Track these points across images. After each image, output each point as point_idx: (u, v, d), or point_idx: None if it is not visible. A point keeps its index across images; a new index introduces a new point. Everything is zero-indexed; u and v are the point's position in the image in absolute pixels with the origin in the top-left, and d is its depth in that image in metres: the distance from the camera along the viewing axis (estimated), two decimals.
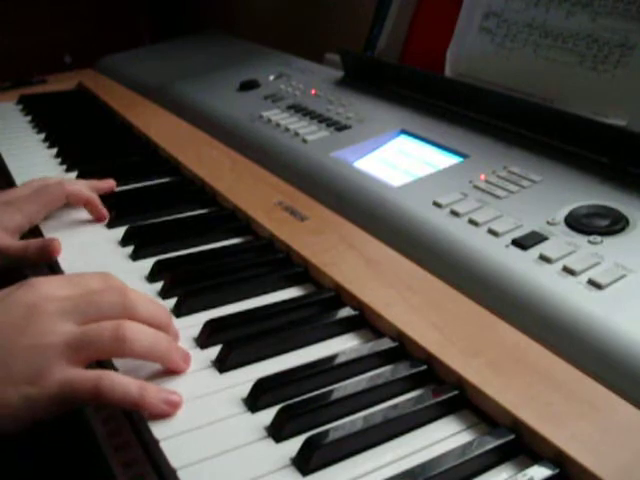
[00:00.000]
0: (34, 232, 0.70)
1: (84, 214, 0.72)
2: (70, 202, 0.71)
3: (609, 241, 0.53)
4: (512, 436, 0.41)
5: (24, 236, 0.67)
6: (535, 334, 0.47)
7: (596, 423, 0.40)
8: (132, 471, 0.43)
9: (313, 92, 0.93)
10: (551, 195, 0.60)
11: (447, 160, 0.70)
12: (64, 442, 0.61)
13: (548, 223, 0.56)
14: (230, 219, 0.70)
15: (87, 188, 0.72)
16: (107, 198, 0.75)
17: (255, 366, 0.49)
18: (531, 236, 0.54)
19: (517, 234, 0.55)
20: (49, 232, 0.69)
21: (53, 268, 0.64)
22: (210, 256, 0.64)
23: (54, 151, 0.91)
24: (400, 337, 0.50)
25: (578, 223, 0.55)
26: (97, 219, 0.71)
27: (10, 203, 0.67)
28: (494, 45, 0.79)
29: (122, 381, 0.43)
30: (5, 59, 1.65)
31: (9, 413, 0.41)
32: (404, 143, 0.76)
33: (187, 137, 0.91)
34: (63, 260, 0.63)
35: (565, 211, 0.57)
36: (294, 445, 0.41)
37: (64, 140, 0.94)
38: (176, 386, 0.47)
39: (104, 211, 0.71)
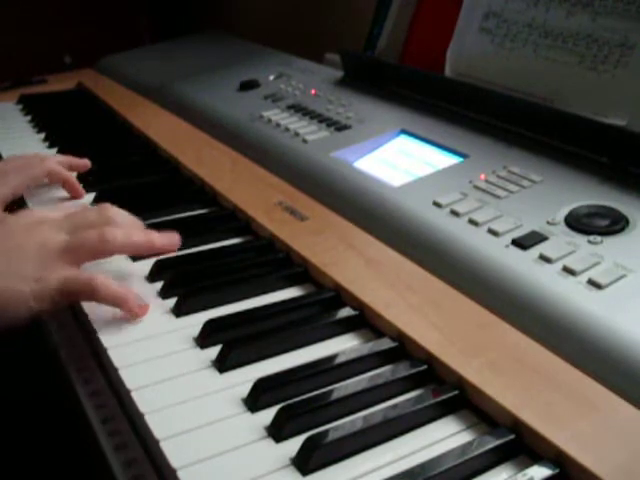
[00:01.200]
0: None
1: None
2: (50, 179, 0.77)
3: (609, 241, 0.53)
4: (512, 436, 0.41)
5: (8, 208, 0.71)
6: (535, 334, 0.47)
7: (596, 423, 0.40)
8: (132, 471, 0.43)
9: (313, 92, 0.93)
10: (551, 195, 0.60)
11: (447, 160, 0.70)
12: (64, 442, 0.61)
13: (548, 223, 0.56)
14: (230, 219, 0.70)
15: (65, 167, 0.78)
16: (107, 198, 0.75)
17: (255, 366, 0.49)
18: (531, 236, 0.54)
19: (517, 234, 0.55)
20: None
21: None
22: (210, 256, 0.64)
23: (54, 151, 0.91)
24: (400, 337, 0.50)
25: (578, 223, 0.55)
26: (74, 197, 0.77)
27: None
28: (494, 45, 0.79)
29: (110, 282, 0.53)
30: (5, 59, 1.65)
31: (23, 303, 0.51)
32: (404, 143, 0.76)
33: (187, 137, 0.91)
34: None
35: (565, 211, 0.57)
36: (294, 445, 0.41)
37: (64, 140, 0.94)
38: (176, 386, 0.47)
39: (81, 189, 0.77)
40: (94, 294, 0.52)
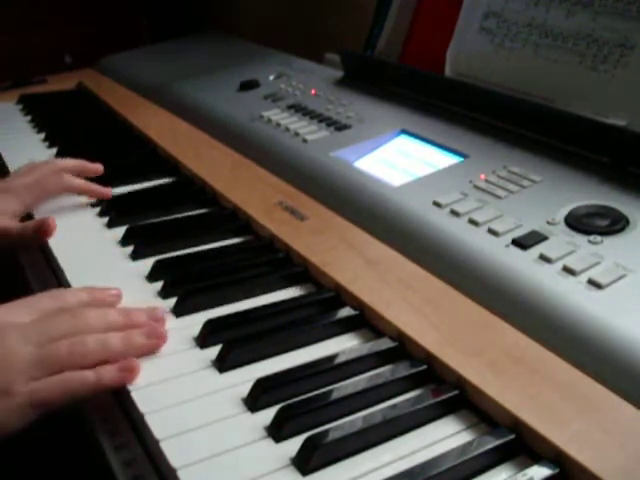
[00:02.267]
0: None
1: (85, 215, 0.73)
2: (68, 193, 0.75)
3: (609, 241, 0.53)
4: (512, 436, 0.41)
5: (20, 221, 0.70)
6: (535, 334, 0.47)
7: (596, 423, 0.40)
8: (132, 471, 0.43)
9: (313, 92, 0.93)
10: (551, 195, 0.60)
11: (447, 160, 0.70)
12: (64, 442, 0.61)
13: (548, 223, 0.56)
14: (230, 219, 0.70)
15: (77, 170, 0.76)
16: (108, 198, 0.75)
17: (255, 366, 0.49)
18: (531, 236, 0.54)
19: (517, 234, 0.55)
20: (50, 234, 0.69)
21: (53, 267, 0.64)
22: (210, 256, 0.64)
23: (54, 151, 0.91)
24: (400, 337, 0.50)
25: (578, 223, 0.55)
26: (101, 199, 0.75)
27: (8, 190, 0.71)
28: (494, 45, 0.79)
29: (80, 374, 0.47)
30: (5, 59, 1.65)
31: None
32: (404, 143, 0.76)
33: (187, 137, 0.91)
34: (63, 260, 0.63)
35: (565, 211, 0.57)
36: (294, 445, 0.41)
37: (64, 140, 0.94)
38: (176, 386, 0.47)
39: (103, 190, 0.75)
40: (70, 396, 0.46)
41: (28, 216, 0.72)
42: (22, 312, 0.51)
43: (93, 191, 0.75)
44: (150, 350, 0.50)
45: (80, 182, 0.75)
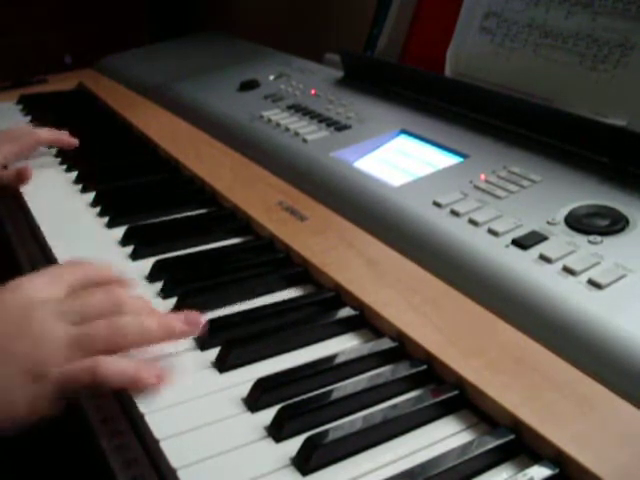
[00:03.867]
0: (32, 229, 0.70)
1: (85, 215, 0.73)
2: (43, 145, 0.86)
3: (609, 241, 0.53)
4: (512, 436, 0.41)
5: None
6: (535, 334, 0.47)
7: (596, 423, 0.40)
8: (132, 471, 0.43)
9: (313, 92, 0.93)
10: (551, 195, 0.60)
11: (447, 160, 0.70)
12: (64, 442, 0.61)
13: (548, 223, 0.56)
14: (230, 219, 0.70)
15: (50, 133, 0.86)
16: (107, 198, 0.75)
17: (255, 366, 0.49)
18: (531, 236, 0.54)
19: (517, 234, 0.55)
20: (49, 232, 0.69)
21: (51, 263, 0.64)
22: (210, 256, 0.64)
23: (54, 151, 0.91)
24: (400, 337, 0.50)
25: (578, 223, 0.55)
26: (68, 147, 0.87)
27: None
28: (494, 45, 0.79)
29: (118, 362, 0.45)
30: (5, 59, 1.65)
31: (17, 412, 0.43)
32: (404, 143, 0.76)
33: (187, 137, 0.91)
34: (63, 260, 0.63)
35: (565, 211, 0.57)
36: (294, 445, 0.41)
37: None
38: (176, 386, 0.47)
39: (71, 140, 0.87)
40: (99, 383, 0.44)
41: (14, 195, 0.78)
42: (52, 286, 0.48)
43: (61, 141, 0.86)
44: (187, 336, 0.49)
45: (51, 133, 0.85)
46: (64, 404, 0.44)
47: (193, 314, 0.50)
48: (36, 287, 0.48)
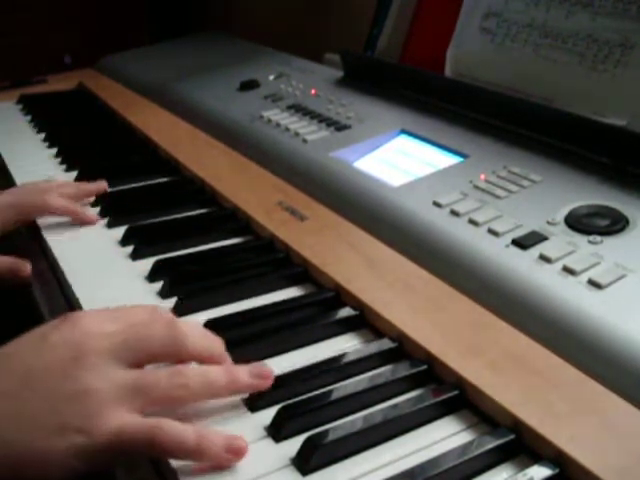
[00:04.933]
0: (33, 229, 0.70)
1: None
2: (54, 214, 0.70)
3: (609, 241, 0.53)
4: (512, 436, 0.41)
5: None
6: (535, 334, 0.47)
7: (596, 423, 0.40)
8: (133, 473, 0.43)
9: (313, 92, 0.93)
10: (551, 195, 0.60)
11: (447, 160, 0.70)
12: None
13: (548, 223, 0.56)
14: (230, 219, 0.70)
15: (74, 197, 0.72)
16: (107, 198, 0.75)
17: None
18: (531, 236, 0.54)
19: (517, 234, 0.55)
20: (49, 232, 0.69)
21: (54, 269, 0.64)
22: (210, 256, 0.64)
23: (54, 151, 0.91)
24: (400, 337, 0.50)
25: (578, 223, 0.55)
26: (87, 223, 0.70)
27: None
28: (494, 45, 0.79)
29: (178, 431, 0.39)
30: (5, 59, 1.65)
31: (57, 464, 0.37)
32: (404, 143, 0.76)
33: (187, 137, 0.91)
34: (63, 260, 0.63)
35: (565, 211, 0.57)
36: (294, 445, 0.41)
37: (64, 140, 0.94)
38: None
39: (89, 218, 0.70)
40: (156, 449, 0.38)
41: (32, 228, 0.71)
42: (106, 318, 0.43)
43: (76, 215, 0.70)
44: (253, 390, 0.44)
45: (63, 204, 0.70)
46: (115, 461, 0.40)
47: (263, 368, 0.44)
48: (93, 321, 0.42)
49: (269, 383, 0.44)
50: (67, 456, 0.37)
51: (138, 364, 0.41)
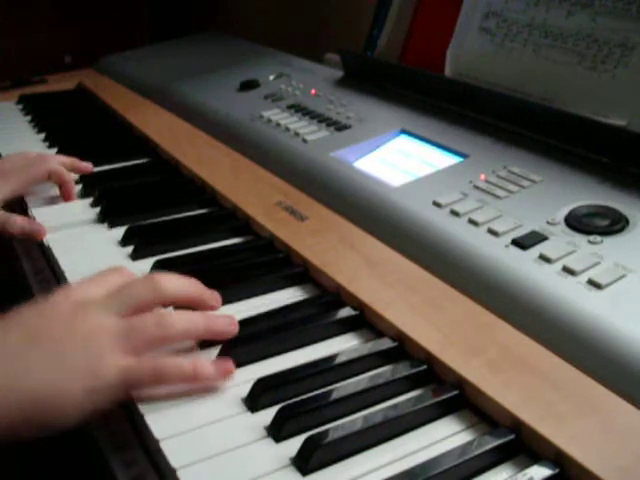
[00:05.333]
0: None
1: (85, 215, 0.73)
2: (51, 179, 0.76)
3: (609, 241, 0.53)
4: (512, 436, 0.41)
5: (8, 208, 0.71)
6: (535, 334, 0.47)
7: (596, 423, 0.40)
8: (132, 471, 0.43)
9: (313, 92, 0.93)
10: (551, 195, 0.60)
11: (447, 160, 0.70)
12: (64, 442, 0.61)
13: (548, 223, 0.56)
14: (230, 219, 0.70)
15: (68, 168, 0.78)
16: (107, 198, 0.75)
17: (255, 366, 0.49)
18: (531, 236, 0.54)
19: (517, 234, 0.55)
20: (50, 232, 0.69)
21: (53, 269, 0.64)
22: (210, 256, 0.64)
23: (54, 151, 0.91)
24: (400, 337, 0.50)
25: (578, 223, 0.55)
26: (65, 199, 0.76)
27: None
28: (494, 45, 0.79)
29: (176, 361, 0.46)
30: (5, 59, 1.65)
31: (74, 404, 0.43)
32: (404, 143, 0.76)
33: (187, 137, 0.91)
34: (63, 260, 0.63)
35: (565, 211, 0.57)
36: (294, 445, 0.41)
37: (64, 140, 0.94)
38: (176, 386, 0.47)
39: (73, 195, 0.76)
40: (162, 380, 0.46)
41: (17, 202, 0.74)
42: (91, 286, 0.50)
43: (68, 189, 0.76)
44: (226, 337, 0.50)
45: (64, 170, 0.76)
46: (123, 397, 0.45)
47: (232, 318, 0.51)
48: (82, 289, 0.49)
49: (236, 330, 0.50)
50: (82, 397, 0.43)
51: (128, 315, 0.47)
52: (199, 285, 0.53)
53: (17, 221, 0.68)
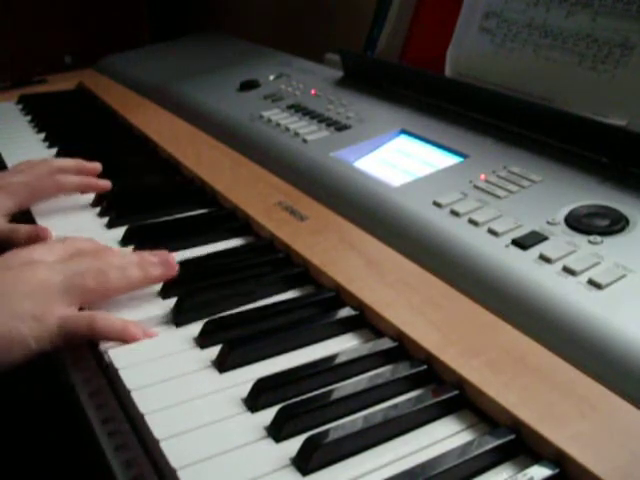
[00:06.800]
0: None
1: (85, 215, 0.73)
2: (64, 192, 0.74)
3: (609, 241, 0.53)
4: (512, 436, 0.41)
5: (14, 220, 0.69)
6: (535, 334, 0.47)
7: (596, 423, 0.40)
8: (132, 471, 0.43)
9: (313, 92, 0.93)
10: (551, 195, 0.60)
11: (447, 160, 0.70)
12: (64, 442, 0.61)
13: (548, 223, 0.56)
14: (230, 219, 0.70)
15: (74, 170, 0.76)
16: (108, 198, 0.75)
17: (255, 366, 0.49)
18: (531, 236, 0.54)
19: (517, 234, 0.55)
20: (49, 230, 0.69)
21: None
22: (210, 256, 0.64)
23: (54, 151, 0.91)
24: (400, 337, 0.50)
25: (578, 223, 0.55)
26: (100, 193, 0.75)
27: (2, 188, 0.70)
28: (494, 45, 0.79)
29: (109, 317, 0.52)
30: (5, 59, 1.65)
31: (21, 344, 0.49)
32: (404, 143, 0.76)
33: (187, 137, 0.91)
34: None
35: (565, 211, 0.57)
36: (294, 445, 0.41)
37: (64, 140, 0.94)
38: (176, 386, 0.47)
39: (102, 183, 0.76)
40: (94, 332, 0.51)
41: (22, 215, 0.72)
42: (48, 252, 0.56)
43: (90, 186, 0.75)
44: (164, 279, 0.56)
45: (74, 179, 0.74)
46: (64, 345, 0.51)
47: (168, 256, 0.57)
48: (32, 251, 0.56)
49: (175, 272, 0.57)
50: (27, 338, 0.49)
51: (73, 275, 0.53)
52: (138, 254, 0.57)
53: (23, 229, 0.66)
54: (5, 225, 0.67)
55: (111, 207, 0.72)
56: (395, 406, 0.44)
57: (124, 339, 0.51)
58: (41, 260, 0.54)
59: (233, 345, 0.49)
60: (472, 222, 0.57)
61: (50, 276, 0.52)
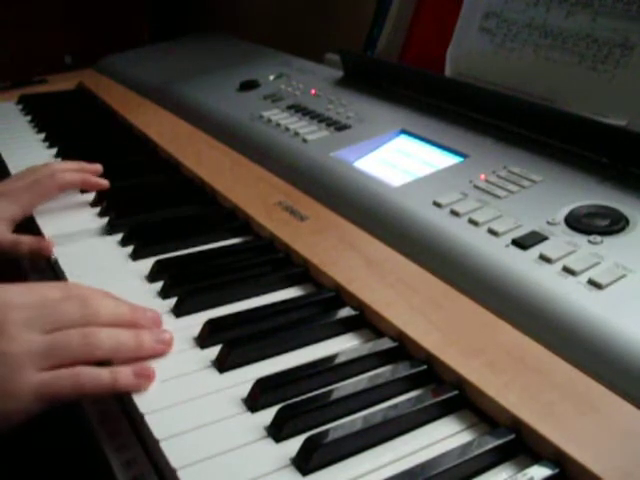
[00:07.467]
0: (32, 229, 0.70)
1: (85, 214, 0.73)
2: (65, 191, 0.75)
3: (609, 241, 0.53)
4: (512, 436, 0.41)
5: (18, 226, 0.69)
6: (535, 334, 0.47)
7: (596, 423, 0.40)
8: (132, 471, 0.43)
9: (313, 92, 0.93)
10: (551, 195, 0.60)
11: (447, 160, 0.70)
12: (64, 442, 0.61)
13: (548, 223, 0.56)
14: (230, 219, 0.70)
15: (75, 171, 0.75)
16: (107, 198, 0.75)
17: (255, 366, 0.49)
18: (531, 236, 0.54)
19: (517, 234, 0.55)
20: (49, 230, 0.69)
21: (54, 269, 0.64)
22: (210, 256, 0.64)
23: (54, 151, 0.91)
24: (400, 337, 0.50)
25: (578, 223, 0.55)
26: (99, 190, 0.75)
27: (4, 194, 0.70)
28: (494, 45, 0.79)
29: (94, 370, 0.45)
30: (5, 59, 1.65)
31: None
32: (404, 143, 0.76)
33: (187, 137, 0.91)
34: (63, 260, 0.63)
35: (565, 211, 0.57)
36: (294, 445, 0.41)
37: (64, 140, 0.94)
38: (176, 386, 0.47)
39: (101, 181, 0.76)
40: (83, 392, 0.44)
41: (31, 228, 0.71)
42: (23, 292, 0.47)
43: (90, 183, 0.75)
44: (157, 355, 0.49)
45: (75, 176, 0.74)
46: (44, 410, 0.44)
47: (165, 334, 0.50)
48: (10, 293, 0.47)
49: (169, 349, 0.50)
50: (5, 419, 0.42)
51: (51, 331, 0.45)
52: (136, 310, 0.51)
53: (26, 243, 0.65)
54: (9, 236, 0.65)
55: (111, 207, 0.72)
56: (395, 406, 0.44)
57: (114, 392, 0.46)
58: (12, 307, 0.45)
59: (233, 345, 0.49)
60: (472, 222, 0.57)
61: (22, 333, 0.44)
